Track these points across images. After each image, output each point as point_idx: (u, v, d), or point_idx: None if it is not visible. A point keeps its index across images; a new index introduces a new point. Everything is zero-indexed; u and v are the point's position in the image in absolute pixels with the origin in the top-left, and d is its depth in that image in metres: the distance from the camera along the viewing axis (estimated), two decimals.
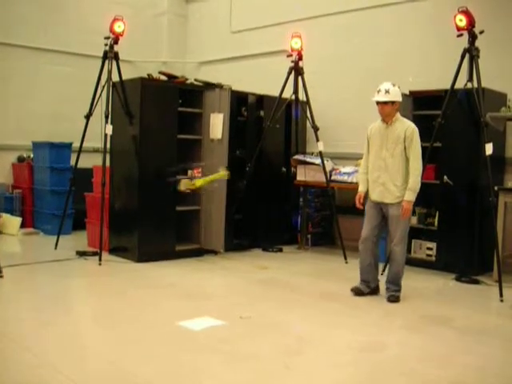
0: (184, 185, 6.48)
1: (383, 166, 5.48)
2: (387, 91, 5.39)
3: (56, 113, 9.37)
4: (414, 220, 7.18)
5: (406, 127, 5.43)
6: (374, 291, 5.72)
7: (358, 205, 5.69)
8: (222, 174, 6.61)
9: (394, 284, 5.55)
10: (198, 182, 6.45)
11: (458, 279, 6.37)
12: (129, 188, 7.01)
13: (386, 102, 5.40)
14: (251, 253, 7.84)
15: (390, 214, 5.49)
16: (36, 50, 9.24)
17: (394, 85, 5.45)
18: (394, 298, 5.48)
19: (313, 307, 5.30)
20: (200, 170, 7.24)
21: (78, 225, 8.37)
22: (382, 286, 5.72)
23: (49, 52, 9.38)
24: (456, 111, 6.38)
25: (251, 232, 8.08)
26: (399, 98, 5.48)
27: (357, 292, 5.67)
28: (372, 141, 5.62)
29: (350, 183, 7.40)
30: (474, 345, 4.36)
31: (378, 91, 5.45)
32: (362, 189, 5.69)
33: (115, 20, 6.91)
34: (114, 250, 7.16)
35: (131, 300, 5.36)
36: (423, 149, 6.51)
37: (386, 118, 5.49)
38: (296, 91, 7.85)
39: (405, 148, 5.39)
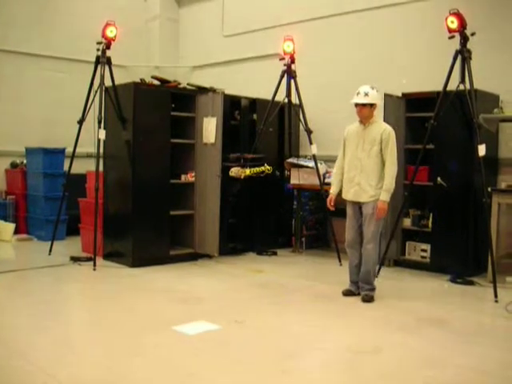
0: (235, 172, 7.10)
1: (359, 166, 5.56)
2: (366, 94, 5.50)
3: (49, 118, 9.35)
4: (408, 222, 7.21)
5: (382, 129, 5.53)
6: None
7: (328, 206, 5.83)
8: (267, 167, 7.21)
9: (367, 283, 5.59)
10: (247, 172, 7.09)
11: (452, 280, 6.38)
12: (122, 193, 6.99)
13: (364, 105, 5.51)
14: (246, 257, 7.83)
15: (364, 213, 5.57)
16: (28, 55, 9.22)
17: (372, 88, 5.56)
18: (367, 298, 5.53)
19: (308, 310, 5.30)
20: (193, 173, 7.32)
21: (72, 230, 8.33)
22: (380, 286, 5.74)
23: (41, 57, 9.36)
24: (449, 113, 6.39)
25: (245, 236, 8.08)
26: (378, 101, 5.59)
27: (348, 294, 5.74)
28: (348, 141, 5.72)
29: None
30: (470, 346, 4.37)
31: (358, 93, 5.55)
32: (333, 191, 5.81)
33: (107, 25, 6.90)
34: (108, 256, 7.14)
35: (126, 305, 5.35)
36: (416, 151, 6.59)
37: (364, 120, 5.60)
38: (289, 94, 7.85)
39: (381, 150, 5.49)
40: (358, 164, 5.57)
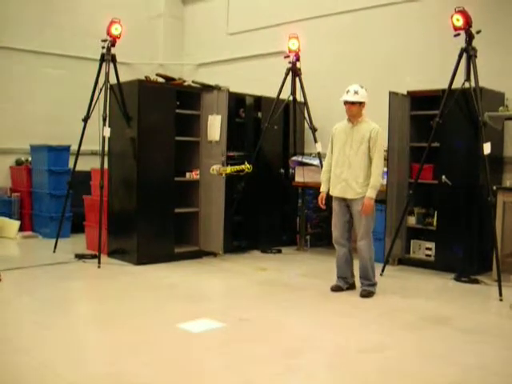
0: (216, 170, 6.96)
1: (347, 163, 5.62)
2: (356, 92, 5.57)
3: (54, 116, 9.36)
4: (413, 220, 7.19)
5: (371, 128, 5.59)
6: (352, 286, 5.86)
7: (320, 205, 5.86)
8: (247, 166, 6.97)
9: (365, 279, 5.65)
10: (228, 169, 6.94)
11: (457, 279, 6.37)
12: (127, 190, 7.00)
13: (353, 103, 5.56)
14: (250, 254, 7.84)
15: (353, 210, 5.63)
16: (33, 52, 9.24)
17: (362, 87, 5.63)
18: (365, 293, 5.58)
19: (312, 308, 5.30)
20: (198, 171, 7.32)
21: (77, 228, 8.36)
22: (384, 284, 5.75)
23: (46, 55, 9.37)
24: (454, 111, 6.38)
25: (250, 234, 8.08)
26: (366, 100, 5.63)
27: (336, 289, 5.80)
28: (336, 139, 5.76)
29: None
30: (474, 344, 4.36)
31: (347, 92, 5.61)
32: (323, 189, 5.85)
33: (112, 22, 6.91)
34: (112, 253, 7.15)
35: (130, 302, 5.35)
36: (421, 149, 6.58)
37: (353, 118, 5.65)
38: (294, 92, 7.85)
39: (369, 148, 5.55)
40: (346, 161, 5.62)
